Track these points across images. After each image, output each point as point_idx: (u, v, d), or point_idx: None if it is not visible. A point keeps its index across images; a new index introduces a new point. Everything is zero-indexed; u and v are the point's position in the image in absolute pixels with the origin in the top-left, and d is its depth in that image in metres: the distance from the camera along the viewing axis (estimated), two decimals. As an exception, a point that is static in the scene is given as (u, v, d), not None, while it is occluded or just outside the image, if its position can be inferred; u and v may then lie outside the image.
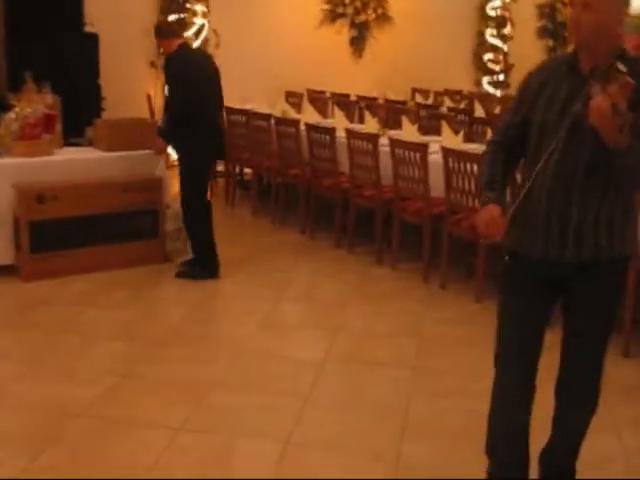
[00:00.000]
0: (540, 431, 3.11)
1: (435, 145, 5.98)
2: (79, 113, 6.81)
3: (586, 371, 2.95)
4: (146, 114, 8.68)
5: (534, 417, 3.05)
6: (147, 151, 6.10)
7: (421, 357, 4.62)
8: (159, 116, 9.17)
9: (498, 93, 12.51)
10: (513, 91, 10.25)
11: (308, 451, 3.53)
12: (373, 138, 6.29)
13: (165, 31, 5.88)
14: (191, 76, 5.66)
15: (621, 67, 2.47)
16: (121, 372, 4.25)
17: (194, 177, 5.80)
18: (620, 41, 2.70)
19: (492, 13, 12.75)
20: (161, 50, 6.49)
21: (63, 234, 5.72)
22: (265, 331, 4.93)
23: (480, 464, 3.19)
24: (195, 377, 4.23)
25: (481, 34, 12.89)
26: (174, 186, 6.82)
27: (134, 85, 9.25)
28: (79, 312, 5.10)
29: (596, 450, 3.49)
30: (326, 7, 11.10)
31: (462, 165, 5.47)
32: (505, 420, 3.09)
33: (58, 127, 6.02)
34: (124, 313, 5.16)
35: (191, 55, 5.98)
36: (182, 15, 9.46)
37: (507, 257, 2.96)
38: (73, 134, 6.42)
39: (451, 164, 5.57)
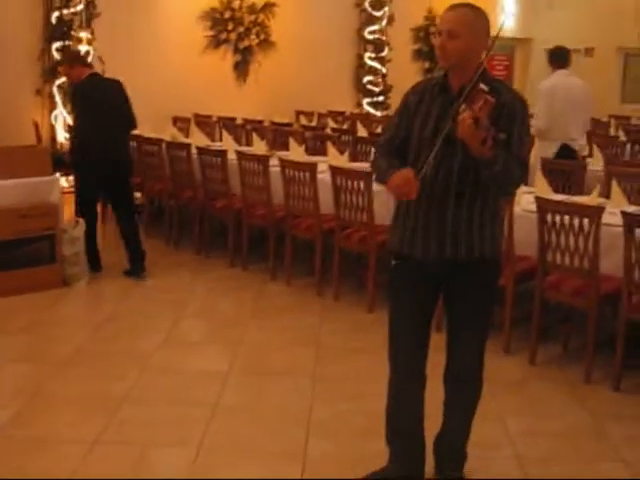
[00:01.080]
0: (433, 423, 3.46)
1: (323, 165, 6.30)
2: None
3: (468, 354, 3.33)
4: (33, 141, 8.68)
5: (427, 411, 3.40)
6: (41, 178, 6.20)
7: (319, 365, 4.88)
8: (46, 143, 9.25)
9: (379, 113, 13.00)
10: (392, 111, 10.83)
11: (220, 454, 3.75)
12: (263, 159, 6.56)
13: (79, 58, 6.57)
14: (98, 106, 6.31)
15: (483, 87, 2.85)
16: (30, 392, 4.35)
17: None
18: (482, 63, 3.05)
19: (370, 37, 13.26)
20: (64, 78, 6.73)
21: (-40, 262, 5.75)
22: (169, 347, 5.11)
23: (381, 458, 3.49)
24: (105, 393, 4.38)
25: (360, 57, 13.39)
26: (69, 211, 6.90)
27: (20, 113, 9.24)
28: (-19, 338, 5.16)
29: (484, 436, 3.85)
30: (210, 33, 11.34)
31: (350, 182, 5.80)
32: (401, 410, 3.42)
33: (-49, 156, 6.04)
34: (27, 337, 5.24)
35: (102, 84, 6.61)
36: (67, 42, 9.49)
37: (393, 261, 3.30)
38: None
39: (339, 182, 5.89)
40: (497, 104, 2.93)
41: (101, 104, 6.38)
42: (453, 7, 3.08)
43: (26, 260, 6.06)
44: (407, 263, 3.27)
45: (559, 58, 7.59)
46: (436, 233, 3.15)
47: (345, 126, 10.58)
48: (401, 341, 3.34)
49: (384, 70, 13.44)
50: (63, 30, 9.48)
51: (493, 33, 3.12)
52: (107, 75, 9.49)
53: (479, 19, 3.05)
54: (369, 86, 13.44)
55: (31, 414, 4.11)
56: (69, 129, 6.49)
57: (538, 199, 4.81)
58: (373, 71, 13.40)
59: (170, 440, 3.87)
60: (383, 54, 13.35)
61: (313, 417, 4.15)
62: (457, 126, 2.87)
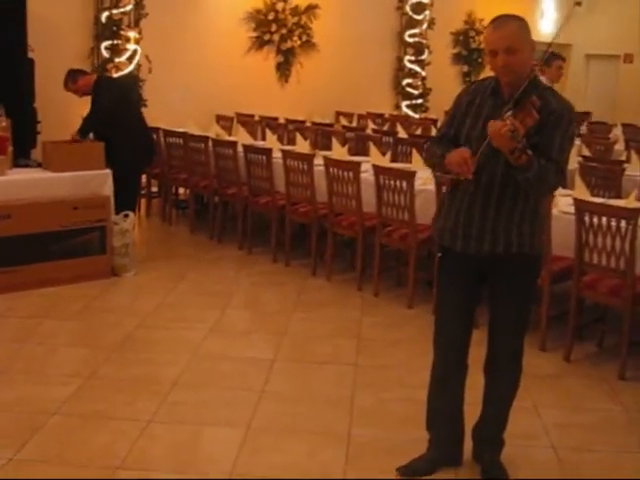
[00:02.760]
0: (473, 416, 3.65)
1: (365, 164, 6.48)
2: (21, 136, 7.06)
3: (506, 346, 3.49)
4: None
5: (467, 403, 3.58)
6: (94, 171, 6.46)
7: (361, 355, 5.06)
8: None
9: (417, 116, 13.14)
10: (431, 114, 10.98)
11: (268, 435, 3.94)
12: (308, 158, 6.75)
13: (77, 70, 7.33)
14: (108, 104, 6.99)
15: (535, 99, 3.02)
16: (86, 374, 4.58)
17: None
18: (532, 69, 3.24)
19: (410, 40, 13.42)
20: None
21: (16, 251, 5.99)
22: (217, 336, 5.32)
23: (422, 445, 3.68)
24: (156, 377, 4.59)
25: (400, 60, 13.55)
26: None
27: (69, 108, 9.50)
28: (37, 323, 5.39)
29: (521, 427, 4.02)
30: (254, 34, 11.56)
31: (392, 182, 5.97)
32: (441, 397, 3.60)
33: (9, 149, 6.30)
34: (80, 323, 5.48)
35: (110, 84, 7.51)
36: (115, 41, 9.76)
37: (439, 254, 3.49)
38: (17, 155, 6.67)
39: (382, 181, 6.07)
40: (545, 111, 3.10)
41: (128, 99, 7.45)
42: (500, 24, 3.17)
43: (78, 250, 6.31)
44: (450, 255, 3.45)
45: None
46: (476, 230, 3.32)
47: (385, 127, 10.75)
48: (443, 329, 3.53)
49: (423, 73, 13.59)
50: (112, 29, 9.74)
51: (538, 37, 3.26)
52: (154, 73, 9.88)
53: (527, 29, 3.20)
54: (408, 89, 13.59)
55: (89, 393, 4.34)
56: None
57: (576, 200, 4.96)
58: (412, 74, 13.56)
59: (220, 421, 4.07)
60: (423, 57, 13.51)
61: (356, 404, 4.33)
62: (491, 130, 3.04)
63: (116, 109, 6.99)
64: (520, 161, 3.07)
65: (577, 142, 9.35)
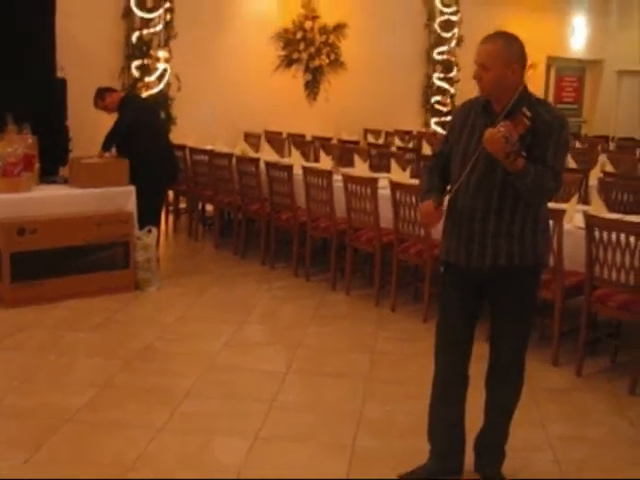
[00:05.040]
0: (475, 429, 3.71)
1: (384, 181, 6.57)
2: (50, 153, 7.25)
3: (508, 357, 3.55)
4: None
5: (469, 416, 3.65)
6: (118, 188, 6.64)
7: (373, 369, 5.14)
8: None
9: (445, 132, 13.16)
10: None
11: (274, 444, 4.04)
12: (328, 174, 6.86)
13: (105, 88, 7.54)
14: (129, 121, 7.21)
15: (525, 111, 3.13)
16: (102, 383, 4.71)
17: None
18: (521, 84, 3.34)
19: (439, 57, 13.51)
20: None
21: (42, 264, 6.16)
22: (232, 348, 5.43)
23: (425, 454, 3.74)
24: (170, 387, 4.71)
25: (429, 77, 13.65)
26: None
27: (100, 126, 9.71)
28: (59, 335, 5.54)
29: (525, 440, 4.08)
30: (282, 53, 11.72)
31: (409, 197, 6.05)
32: (442, 408, 3.66)
33: (36, 166, 6.49)
34: (100, 335, 5.62)
35: (134, 102, 7.72)
36: (145, 61, 9.98)
37: (442, 268, 3.57)
38: (46, 172, 6.87)
39: (398, 197, 6.15)
40: (537, 122, 3.21)
41: (150, 117, 7.65)
42: (485, 40, 3.32)
43: (102, 265, 6.47)
44: (453, 270, 3.53)
45: None
46: (478, 244, 3.40)
47: (410, 144, 10.83)
48: (444, 341, 3.61)
49: (452, 90, 13.66)
50: (142, 49, 9.96)
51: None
52: (183, 92, 10.07)
53: (509, 48, 3.28)
54: (437, 106, 13.68)
55: (103, 402, 4.46)
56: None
57: (586, 216, 5.00)
58: (442, 91, 13.65)
59: (229, 431, 4.17)
60: (451, 75, 13.59)
61: (364, 415, 4.41)
62: (486, 135, 3.16)
63: (137, 127, 7.14)
64: (516, 165, 3.18)
65: (603, 158, 9.40)
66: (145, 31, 9.91)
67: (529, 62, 3.44)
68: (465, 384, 3.64)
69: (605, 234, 4.90)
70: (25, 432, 4.07)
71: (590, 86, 17.12)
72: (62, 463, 3.76)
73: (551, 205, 5.69)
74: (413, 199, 6.01)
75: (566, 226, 5.26)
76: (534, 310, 3.75)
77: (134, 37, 9.90)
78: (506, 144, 3.12)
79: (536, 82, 15.12)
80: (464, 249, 3.44)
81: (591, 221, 4.97)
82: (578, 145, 11.05)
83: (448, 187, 3.54)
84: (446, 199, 3.49)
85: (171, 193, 9.58)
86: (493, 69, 3.27)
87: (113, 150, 7.20)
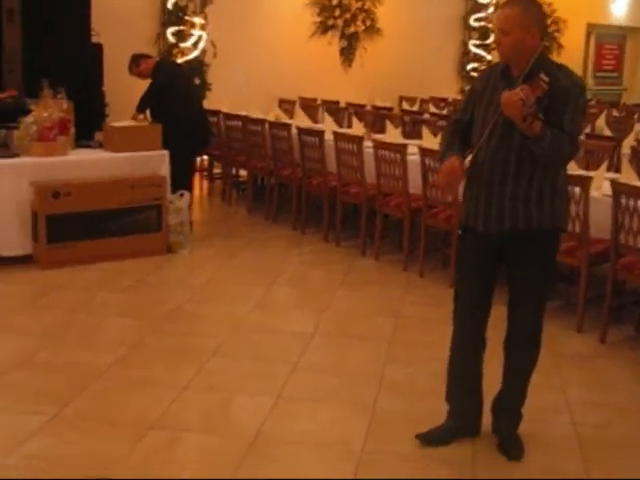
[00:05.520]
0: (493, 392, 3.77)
1: (414, 147, 6.58)
2: (86, 118, 7.36)
3: (525, 320, 3.59)
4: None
5: (486, 379, 3.72)
6: (152, 152, 6.74)
7: (397, 333, 5.20)
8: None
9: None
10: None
11: (296, 404, 4.13)
12: (358, 140, 6.89)
13: (139, 54, 7.58)
14: (161, 85, 7.30)
15: (543, 76, 3.16)
16: (131, 343, 4.83)
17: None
18: (539, 49, 3.37)
19: (475, 24, 13.40)
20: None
21: (76, 227, 6.29)
22: (260, 311, 5.52)
23: (444, 415, 3.81)
24: (197, 347, 4.82)
25: (465, 44, 13.55)
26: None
27: (136, 92, 9.81)
28: (91, 295, 5.67)
29: (545, 403, 4.13)
30: (318, 19, 11.72)
31: (436, 164, 6.06)
32: (459, 369, 3.72)
33: (72, 130, 6.60)
34: (131, 296, 5.74)
35: (167, 67, 7.77)
36: (181, 27, 10.04)
37: (460, 231, 3.61)
38: (82, 137, 6.98)
39: (427, 163, 6.17)
40: (555, 87, 3.22)
41: (183, 83, 7.70)
42: (505, 4, 3.37)
43: (135, 228, 6.58)
44: (472, 234, 3.57)
45: None
46: (496, 208, 3.44)
47: (445, 111, 10.79)
48: (462, 304, 3.65)
49: (489, 57, 13.54)
50: (178, 15, 10.03)
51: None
52: (219, 58, 10.12)
53: (528, 12, 3.30)
54: (473, 73, 13.56)
55: (131, 361, 4.59)
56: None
57: (613, 183, 4.99)
58: (478, 58, 13.54)
59: (253, 390, 4.26)
60: (488, 41, 13.44)
61: (385, 377, 4.48)
62: (504, 98, 3.20)
63: (169, 91, 7.21)
64: (533, 129, 3.21)
65: (639, 127, 9.29)
66: (181, -3, 9.97)
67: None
68: (483, 347, 3.69)
69: (632, 201, 4.89)
70: (55, 388, 4.20)
71: (631, 54, 16.84)
72: (89, 419, 3.88)
73: (579, 172, 5.74)
74: (442, 165, 6.01)
75: (594, 193, 5.25)
76: (553, 276, 3.78)
77: (170, 3, 9.98)
78: (523, 107, 3.15)
79: (575, 50, 14.94)
80: (483, 213, 3.47)
81: (618, 188, 4.96)
82: (615, 113, 10.91)
83: (467, 152, 3.57)
84: (466, 162, 3.52)
85: (205, 158, 9.67)
86: (512, 33, 3.29)
87: (147, 113, 7.29)
